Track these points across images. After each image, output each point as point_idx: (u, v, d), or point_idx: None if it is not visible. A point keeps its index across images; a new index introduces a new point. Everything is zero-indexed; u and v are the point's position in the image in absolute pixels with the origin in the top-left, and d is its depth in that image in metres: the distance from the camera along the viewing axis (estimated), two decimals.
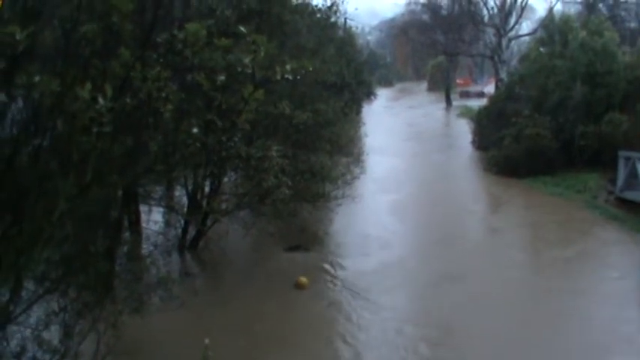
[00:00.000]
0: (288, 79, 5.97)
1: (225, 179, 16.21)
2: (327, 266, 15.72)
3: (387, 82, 67.15)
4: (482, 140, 29.63)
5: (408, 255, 16.79)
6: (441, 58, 52.70)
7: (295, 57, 8.40)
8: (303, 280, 14.11)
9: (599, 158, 23.39)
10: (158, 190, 14.74)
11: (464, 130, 33.45)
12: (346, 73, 28.55)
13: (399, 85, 67.14)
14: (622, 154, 21.17)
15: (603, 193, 21.67)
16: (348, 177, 19.03)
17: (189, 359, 9.34)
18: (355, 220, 19.49)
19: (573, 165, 24.14)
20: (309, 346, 11.55)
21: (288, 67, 5.84)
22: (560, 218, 19.56)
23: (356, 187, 19.88)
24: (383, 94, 55.57)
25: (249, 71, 5.81)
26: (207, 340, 9.33)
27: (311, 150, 16.87)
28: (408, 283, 14.90)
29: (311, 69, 6.71)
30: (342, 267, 15.63)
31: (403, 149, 31.50)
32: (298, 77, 6.12)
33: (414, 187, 24.51)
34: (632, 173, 20.39)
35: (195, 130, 7.49)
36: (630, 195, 20.24)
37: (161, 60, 6.11)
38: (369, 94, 50.84)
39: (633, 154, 20.60)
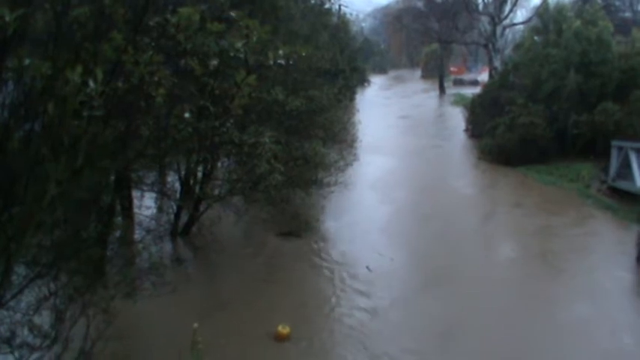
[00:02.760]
0: (281, 64, 5.94)
1: (218, 165, 16.16)
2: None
3: (381, 70, 67.06)
4: (476, 128, 29.69)
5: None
6: (435, 45, 52.64)
7: (288, 43, 8.35)
8: (284, 331, 11.18)
9: (592, 147, 23.52)
10: (150, 176, 14.69)
11: (457, 119, 33.47)
12: (340, 59, 28.48)
13: (393, 73, 67.01)
14: (615, 143, 21.28)
15: (596, 182, 21.74)
16: (342, 163, 19.03)
17: (178, 344, 9.35)
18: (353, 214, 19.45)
19: (566, 154, 24.24)
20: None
21: (280, 52, 5.81)
22: (559, 217, 18.92)
23: (349, 175, 19.86)
24: (377, 82, 55.45)
25: (242, 56, 5.78)
26: (196, 325, 9.38)
27: (304, 136, 16.83)
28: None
29: (304, 54, 6.67)
30: None
31: (397, 136, 31.50)
32: (291, 63, 6.08)
33: (407, 173, 24.56)
34: (625, 163, 20.47)
35: (187, 115, 7.47)
36: (622, 184, 20.34)
37: (153, 44, 6.05)
38: (363, 82, 50.74)
39: (626, 144, 20.68)
